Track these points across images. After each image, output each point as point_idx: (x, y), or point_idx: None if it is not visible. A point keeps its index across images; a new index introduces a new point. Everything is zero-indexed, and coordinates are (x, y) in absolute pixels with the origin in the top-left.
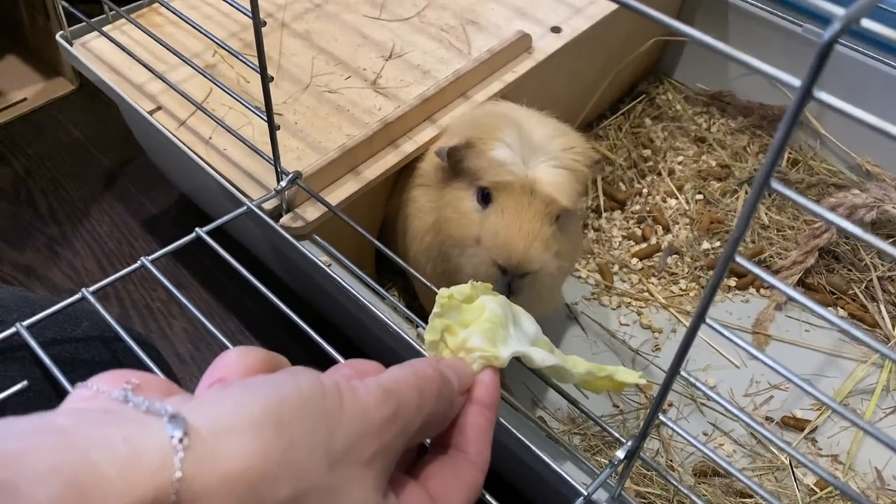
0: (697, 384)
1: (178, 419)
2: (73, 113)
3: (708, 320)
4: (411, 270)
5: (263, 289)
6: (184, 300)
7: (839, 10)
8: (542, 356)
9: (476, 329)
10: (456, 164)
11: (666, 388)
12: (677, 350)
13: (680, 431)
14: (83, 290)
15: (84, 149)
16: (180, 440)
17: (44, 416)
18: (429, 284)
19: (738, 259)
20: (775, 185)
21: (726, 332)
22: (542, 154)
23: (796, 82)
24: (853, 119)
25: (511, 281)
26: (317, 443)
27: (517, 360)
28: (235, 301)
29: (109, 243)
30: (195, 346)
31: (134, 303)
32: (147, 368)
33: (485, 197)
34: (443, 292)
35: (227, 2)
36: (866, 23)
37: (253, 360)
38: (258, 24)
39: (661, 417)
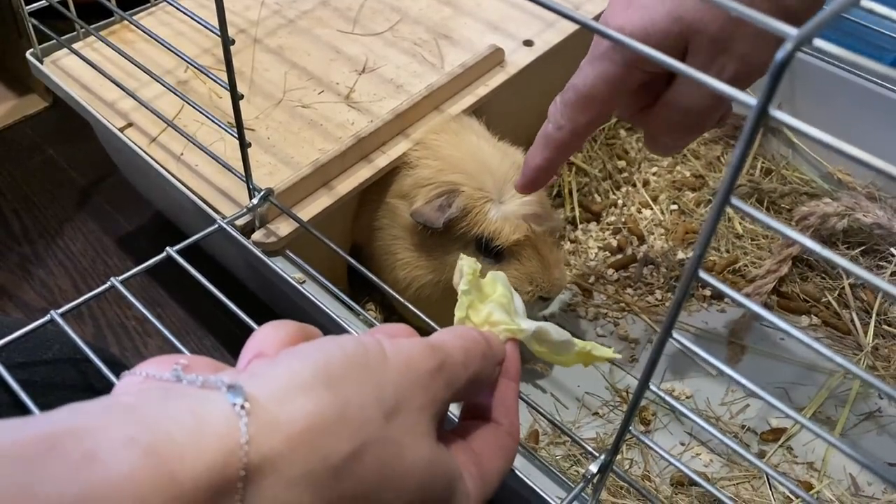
0: (668, 398)
1: (236, 388)
2: (45, 130)
3: (675, 335)
4: (392, 292)
5: (234, 307)
6: (155, 321)
7: (792, 31)
8: (556, 332)
9: (495, 303)
10: (447, 228)
11: (635, 404)
12: (645, 366)
13: (652, 445)
14: (52, 312)
15: (57, 166)
16: (242, 406)
17: (107, 397)
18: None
19: (702, 274)
20: (736, 202)
21: (694, 347)
22: (511, 187)
23: (752, 101)
24: (809, 137)
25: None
26: (368, 396)
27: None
28: (211, 317)
29: (83, 261)
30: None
31: (109, 321)
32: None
33: (497, 254)
34: (469, 266)
35: (196, 20)
36: (819, 42)
37: (287, 333)
38: (227, 43)
39: (632, 431)
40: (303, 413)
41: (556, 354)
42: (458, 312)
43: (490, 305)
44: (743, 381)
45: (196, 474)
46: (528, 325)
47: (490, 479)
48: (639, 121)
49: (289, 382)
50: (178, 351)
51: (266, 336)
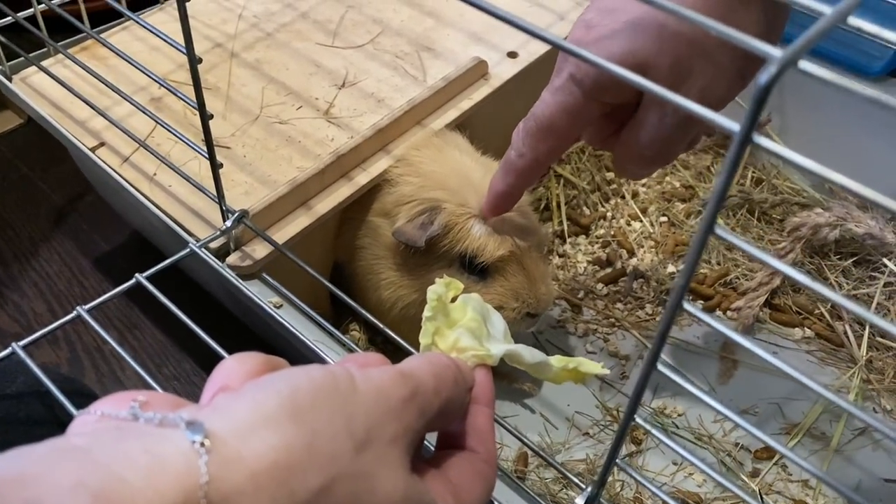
0: (652, 430)
1: (196, 425)
2: (21, 148)
3: (660, 366)
4: (368, 315)
5: (205, 336)
6: (123, 353)
7: (776, 52)
8: (529, 353)
9: (464, 328)
10: (430, 246)
11: (620, 438)
12: (631, 395)
13: (637, 477)
14: (13, 344)
15: (33, 185)
16: (202, 444)
17: (58, 440)
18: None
19: (687, 306)
20: (720, 232)
21: (679, 380)
22: None
23: (735, 127)
24: (791, 164)
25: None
26: (338, 428)
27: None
28: (191, 340)
29: (59, 283)
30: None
31: (85, 345)
32: None
33: (481, 270)
34: (433, 292)
35: (162, 38)
36: (805, 65)
37: (253, 365)
38: (193, 61)
39: (619, 464)
40: (268, 447)
41: (538, 374)
42: (423, 340)
43: (458, 331)
44: (724, 410)
45: None
46: (498, 349)
47: None
48: (607, 147)
49: (253, 416)
50: (161, 374)
51: (230, 369)
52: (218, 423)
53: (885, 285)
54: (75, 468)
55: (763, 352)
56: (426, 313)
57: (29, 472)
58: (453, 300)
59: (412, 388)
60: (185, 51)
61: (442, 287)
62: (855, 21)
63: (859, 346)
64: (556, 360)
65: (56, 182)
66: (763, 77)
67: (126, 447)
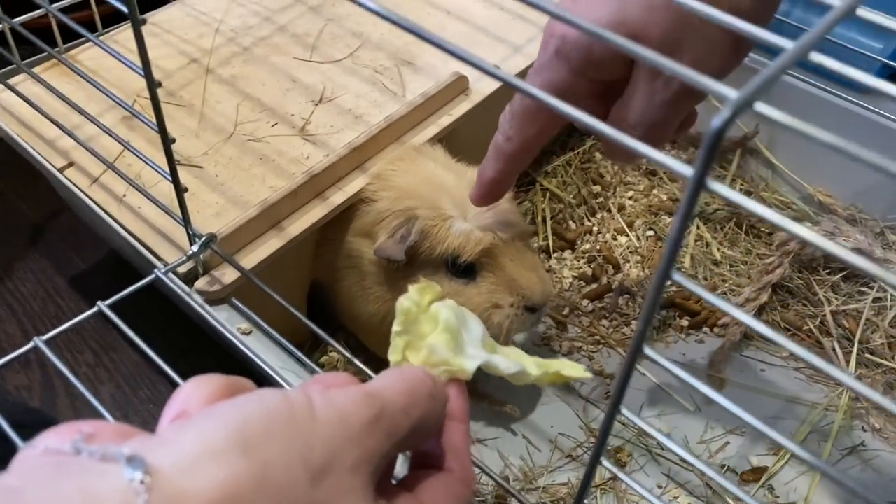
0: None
1: (136, 460)
2: None
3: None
4: (335, 344)
5: (165, 366)
6: (78, 384)
7: (732, 93)
8: (506, 364)
9: (436, 340)
10: (412, 255)
11: (594, 463)
12: (599, 434)
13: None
14: None
15: (8, 201)
16: (141, 482)
17: None
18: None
19: (647, 351)
20: (677, 277)
21: (638, 422)
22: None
23: (688, 171)
24: (746, 210)
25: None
26: (293, 458)
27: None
28: (167, 361)
29: (34, 304)
30: (123, 414)
31: (57, 368)
32: None
33: (467, 269)
34: (401, 304)
35: (121, 60)
36: (761, 107)
37: (213, 389)
38: (153, 85)
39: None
40: (214, 483)
41: (518, 382)
42: (393, 356)
43: (429, 344)
44: (734, 408)
45: None
46: (472, 363)
47: None
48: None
49: (199, 449)
50: (137, 398)
51: (188, 394)
52: (161, 458)
53: (874, 300)
54: None
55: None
56: (395, 328)
57: None
58: (441, 300)
59: (377, 410)
60: (142, 73)
61: (416, 294)
62: (817, 57)
63: (848, 362)
64: (536, 367)
65: (31, 199)
66: (715, 121)
67: (60, 487)
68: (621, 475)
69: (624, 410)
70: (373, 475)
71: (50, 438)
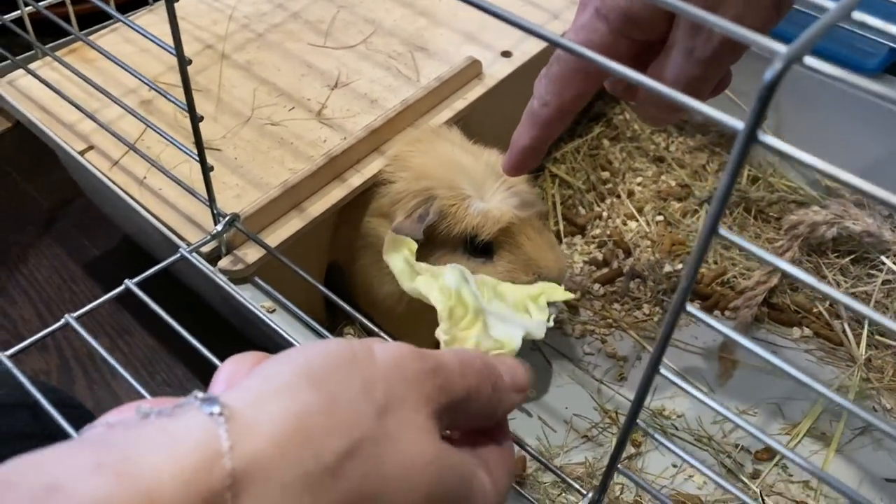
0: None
1: (211, 399)
2: (9, 152)
3: (663, 370)
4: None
5: (197, 343)
6: (113, 362)
7: (781, 48)
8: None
9: (475, 332)
10: (430, 235)
11: (623, 441)
12: (632, 404)
13: (638, 481)
14: (0, 354)
15: (21, 189)
16: (220, 413)
17: (72, 438)
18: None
19: (690, 309)
20: (724, 232)
21: (681, 383)
22: (493, 180)
23: (739, 125)
24: (799, 162)
25: None
26: (357, 393)
27: None
28: (182, 345)
29: (49, 290)
30: (141, 397)
31: (75, 352)
32: (70, 437)
33: (485, 248)
34: (438, 300)
35: (151, 39)
36: (810, 60)
37: (253, 363)
38: (183, 63)
39: (620, 469)
40: (286, 413)
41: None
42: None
43: (473, 336)
44: (727, 413)
45: (175, 489)
46: (516, 337)
47: (501, 488)
48: (629, 95)
49: (267, 385)
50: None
51: (231, 370)
52: (233, 398)
53: (883, 283)
54: (94, 451)
55: (766, 352)
56: (443, 337)
57: (47, 457)
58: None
59: (433, 364)
60: (174, 52)
61: (391, 246)
62: (859, 16)
63: (858, 344)
64: (515, 294)
65: (45, 186)
66: (768, 74)
67: (142, 431)
68: (657, 436)
69: (662, 370)
70: (434, 419)
71: (112, 416)
